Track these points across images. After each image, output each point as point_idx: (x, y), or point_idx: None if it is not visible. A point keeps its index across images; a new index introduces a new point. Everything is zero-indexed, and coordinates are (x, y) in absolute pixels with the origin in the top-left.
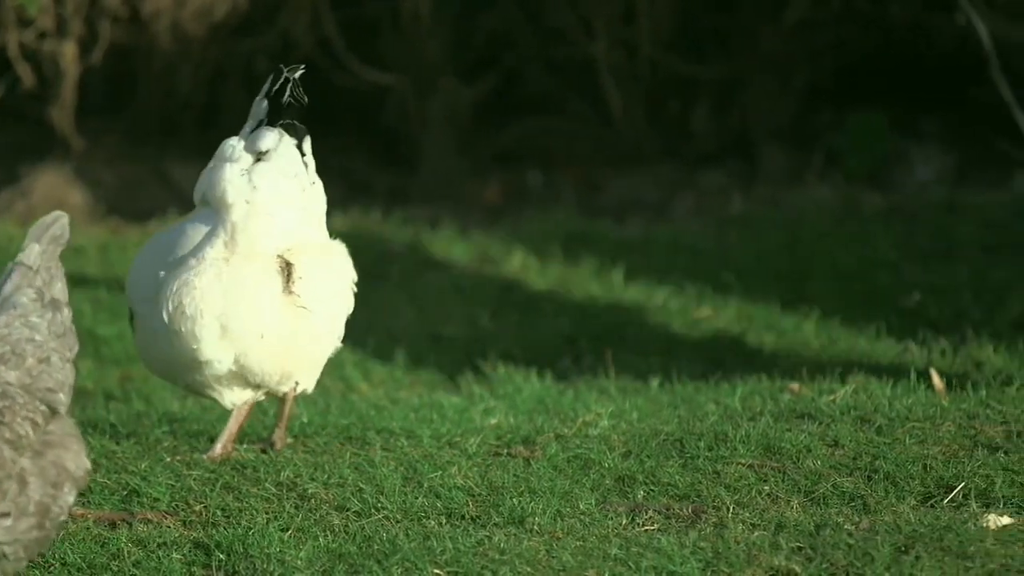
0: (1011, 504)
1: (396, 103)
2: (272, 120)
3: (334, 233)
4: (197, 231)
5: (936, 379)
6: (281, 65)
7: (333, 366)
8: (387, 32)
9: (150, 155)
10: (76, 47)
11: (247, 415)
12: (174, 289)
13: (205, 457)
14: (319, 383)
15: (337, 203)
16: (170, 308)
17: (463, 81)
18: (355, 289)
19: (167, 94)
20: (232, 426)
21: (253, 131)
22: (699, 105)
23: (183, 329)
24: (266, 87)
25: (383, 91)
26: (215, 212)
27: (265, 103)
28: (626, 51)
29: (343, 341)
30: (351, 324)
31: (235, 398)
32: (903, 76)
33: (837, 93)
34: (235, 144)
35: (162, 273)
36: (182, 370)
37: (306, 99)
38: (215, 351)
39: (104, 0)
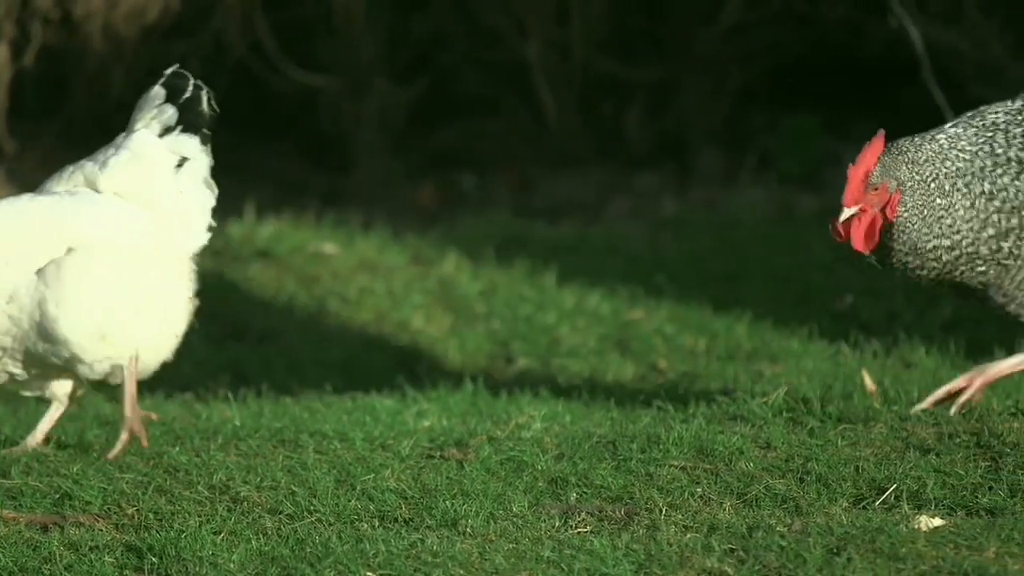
0: (942, 506)
1: (330, 105)
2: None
3: (266, 237)
4: None
5: (868, 381)
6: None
7: (265, 368)
8: (320, 34)
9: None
10: (8, 49)
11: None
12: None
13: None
14: (250, 387)
15: (270, 205)
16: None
17: (397, 83)
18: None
19: (99, 96)
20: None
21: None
22: (633, 107)
23: None
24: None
25: (317, 93)
26: None
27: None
28: (559, 53)
29: (279, 340)
30: (286, 326)
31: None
32: (836, 78)
33: (771, 95)
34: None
35: None
36: None
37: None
38: None
39: (36, 2)
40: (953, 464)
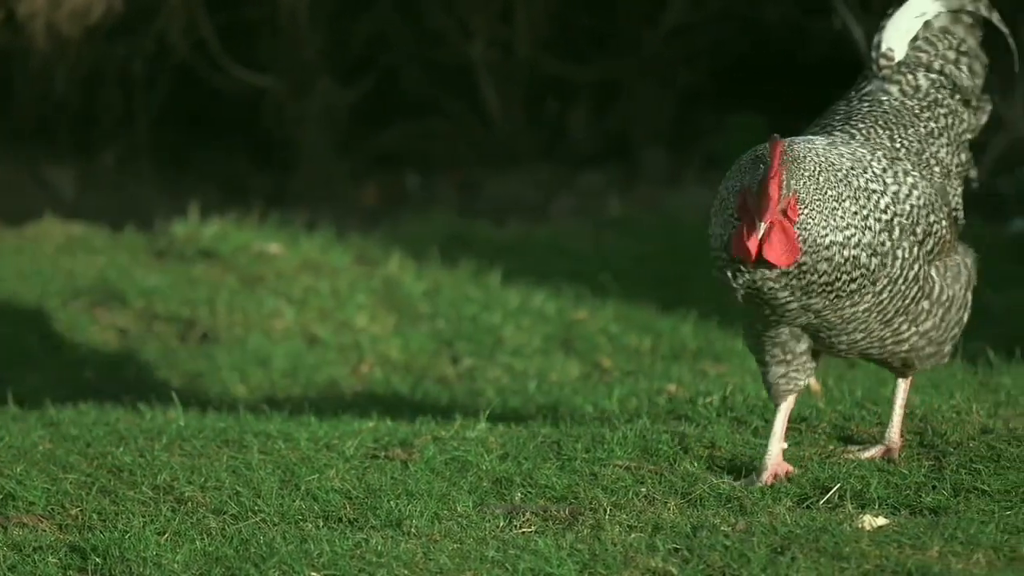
0: (886, 505)
1: (274, 105)
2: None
3: (210, 236)
4: None
5: (812, 381)
6: None
7: (209, 368)
8: (264, 34)
9: (26, 157)
10: None
11: None
12: None
13: None
14: (194, 386)
15: (215, 205)
16: None
17: (341, 83)
18: None
19: (43, 96)
20: None
21: None
22: (578, 107)
23: None
24: None
25: (261, 93)
26: None
27: None
28: (504, 52)
29: (223, 340)
30: (230, 325)
31: None
32: (781, 78)
33: (716, 95)
34: None
35: None
36: None
37: None
38: None
39: None
40: (897, 463)
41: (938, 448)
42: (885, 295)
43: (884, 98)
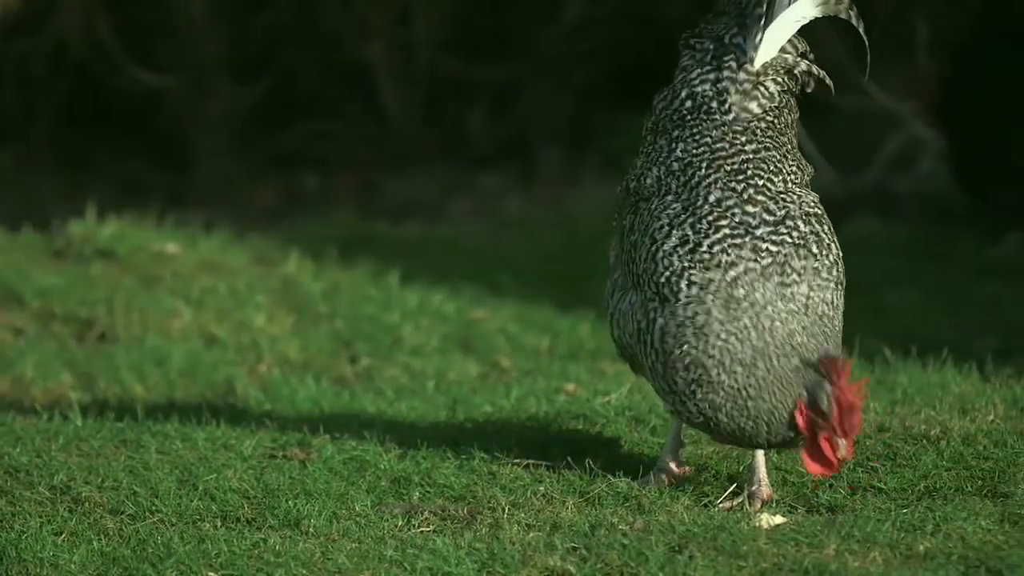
0: (784, 504)
1: (172, 106)
2: None
3: (108, 236)
4: None
5: None
6: None
7: (107, 368)
8: (163, 34)
9: None
10: None
11: None
12: None
13: None
14: (92, 387)
15: (112, 205)
16: None
17: (239, 83)
18: None
19: None
20: None
21: None
22: (476, 107)
23: None
24: None
25: (159, 94)
26: None
27: None
28: (402, 53)
29: (121, 340)
30: (128, 325)
31: None
32: None
33: (614, 95)
34: None
35: None
36: None
37: None
38: None
39: None
40: (794, 462)
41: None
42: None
43: (751, 122)
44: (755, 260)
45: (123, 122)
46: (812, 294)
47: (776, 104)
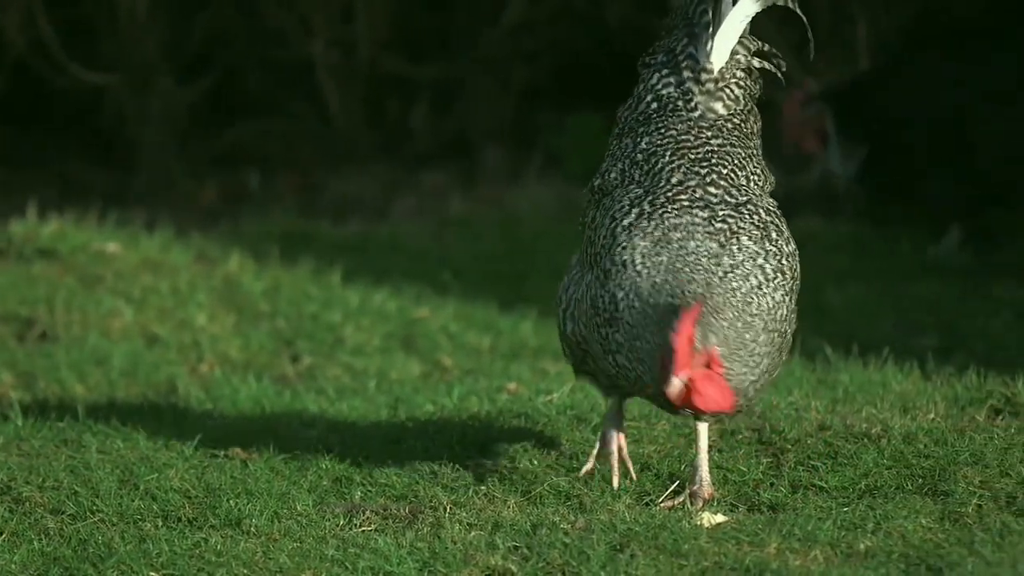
0: (725, 502)
1: (113, 104)
2: None
3: (49, 235)
4: None
5: None
6: None
7: (48, 368)
8: (104, 32)
9: None
10: None
11: None
12: None
13: None
14: (32, 386)
15: (53, 204)
16: None
17: (180, 81)
18: None
19: None
20: None
21: None
22: (419, 105)
23: None
24: None
25: (100, 92)
26: None
27: None
28: (344, 51)
29: (62, 340)
30: (69, 325)
31: None
32: (620, 77)
33: (556, 94)
34: None
35: None
36: None
37: None
38: None
39: None
40: (735, 460)
41: (776, 445)
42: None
43: (717, 120)
44: (708, 223)
45: (64, 121)
46: (757, 280)
47: (742, 108)
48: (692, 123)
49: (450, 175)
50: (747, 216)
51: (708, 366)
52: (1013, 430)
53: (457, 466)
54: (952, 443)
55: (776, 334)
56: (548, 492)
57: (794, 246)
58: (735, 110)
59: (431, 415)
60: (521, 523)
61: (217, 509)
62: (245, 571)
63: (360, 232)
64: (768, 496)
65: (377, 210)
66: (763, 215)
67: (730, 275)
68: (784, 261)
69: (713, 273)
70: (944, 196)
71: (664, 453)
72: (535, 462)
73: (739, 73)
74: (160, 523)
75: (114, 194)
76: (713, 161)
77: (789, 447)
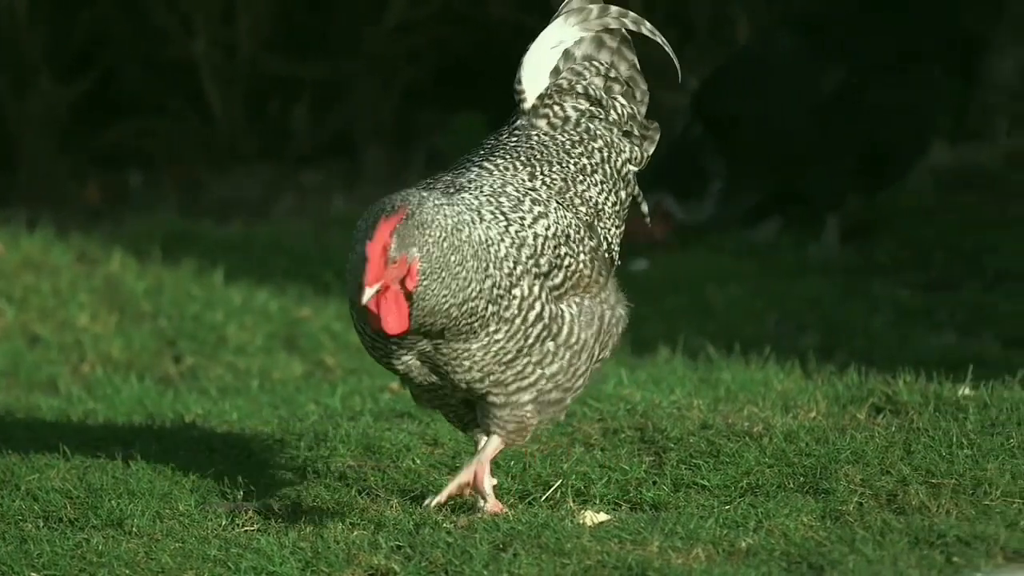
0: (607, 501)
1: None
2: None
3: None
4: None
5: None
6: None
7: None
8: None
9: None
10: None
11: None
12: None
13: None
14: None
15: None
16: None
17: (61, 81)
18: None
19: None
20: None
21: None
22: (300, 105)
23: None
24: None
25: None
26: None
27: None
28: (226, 51)
29: None
30: None
31: None
32: (503, 77)
33: (438, 94)
34: None
35: None
36: None
37: None
38: None
39: None
40: (618, 459)
41: (659, 444)
42: (501, 335)
43: (533, 132)
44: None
45: None
46: (471, 217)
47: (572, 127)
48: (506, 135)
49: (332, 175)
50: (499, 189)
51: (404, 283)
52: (893, 428)
53: (340, 465)
54: (833, 441)
55: (490, 280)
56: (431, 491)
57: (554, 232)
58: (558, 126)
59: (314, 414)
60: (404, 522)
61: (99, 509)
62: (127, 571)
63: (242, 232)
64: (651, 495)
65: (259, 210)
66: (519, 195)
67: (448, 204)
68: (524, 232)
69: (435, 197)
70: (818, 189)
71: (547, 452)
72: (418, 461)
73: (574, 95)
74: (41, 523)
75: None
76: (499, 153)
77: (671, 446)
